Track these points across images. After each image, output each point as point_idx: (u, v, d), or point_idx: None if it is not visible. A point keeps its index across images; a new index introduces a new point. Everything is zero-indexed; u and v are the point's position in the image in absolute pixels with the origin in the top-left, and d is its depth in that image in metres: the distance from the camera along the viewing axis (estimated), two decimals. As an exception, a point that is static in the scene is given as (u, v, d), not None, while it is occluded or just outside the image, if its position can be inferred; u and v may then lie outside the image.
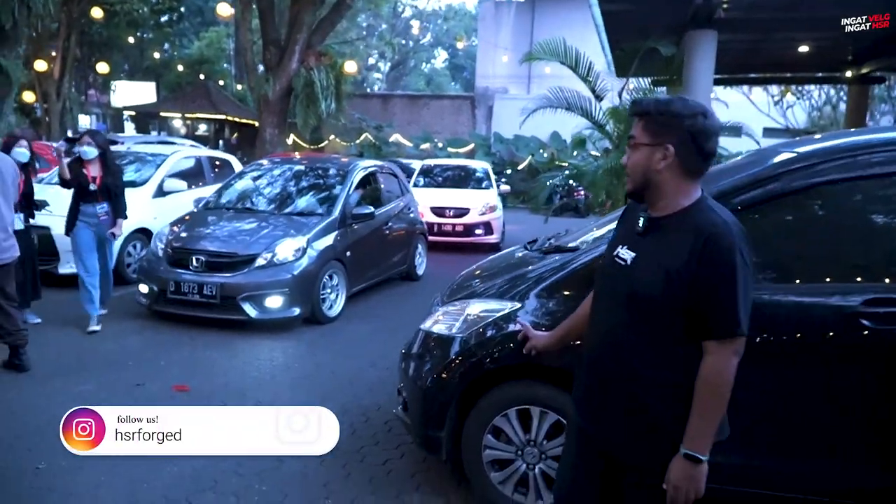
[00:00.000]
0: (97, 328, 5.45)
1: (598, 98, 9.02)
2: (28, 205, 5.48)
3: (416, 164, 13.85)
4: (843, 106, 13.89)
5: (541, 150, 22.12)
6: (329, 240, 6.25)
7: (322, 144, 23.46)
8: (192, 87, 25.42)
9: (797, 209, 2.75)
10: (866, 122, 12.71)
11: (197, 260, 5.75)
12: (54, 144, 8.79)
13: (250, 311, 5.61)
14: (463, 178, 12.24)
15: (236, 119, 23.78)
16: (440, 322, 3.20)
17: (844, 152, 2.71)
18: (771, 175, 2.67)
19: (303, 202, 6.89)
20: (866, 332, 2.46)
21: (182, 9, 27.62)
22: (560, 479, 2.10)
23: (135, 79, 28.88)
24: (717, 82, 12.58)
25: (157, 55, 28.65)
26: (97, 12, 18.00)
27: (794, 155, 2.76)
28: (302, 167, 7.52)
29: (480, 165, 13.00)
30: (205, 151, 10.53)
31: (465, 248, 10.63)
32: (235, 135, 24.89)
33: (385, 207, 7.56)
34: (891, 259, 2.67)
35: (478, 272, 3.65)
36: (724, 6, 7.05)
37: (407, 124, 25.41)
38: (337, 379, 4.68)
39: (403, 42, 38.18)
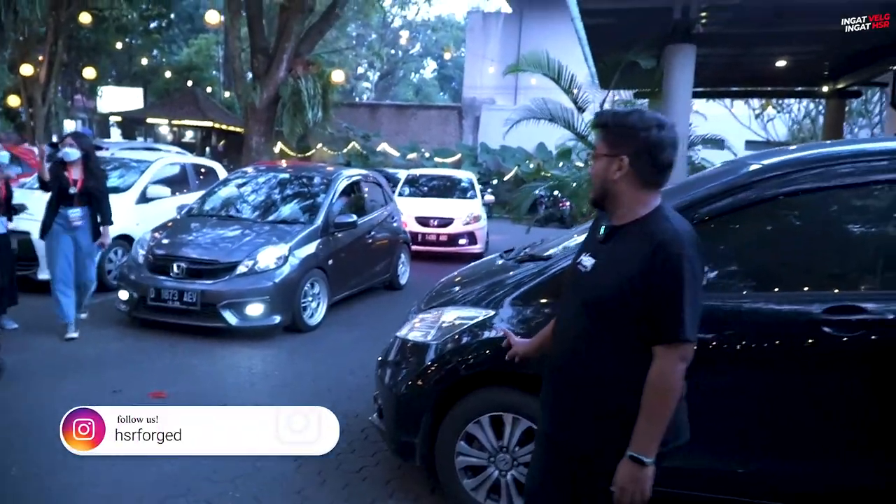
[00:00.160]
0: (75, 335, 5.41)
1: (581, 110, 9.14)
2: (7, 209, 5.45)
3: (403, 174, 13.90)
4: (822, 119, 14.14)
5: (527, 161, 22.26)
6: (311, 248, 6.27)
7: (309, 153, 23.43)
8: (179, 94, 25.35)
9: (765, 219, 2.83)
10: (843, 136, 12.95)
11: (178, 267, 5.75)
12: (36, 149, 8.75)
13: (231, 318, 5.61)
14: (448, 188, 12.30)
15: (224, 126, 23.73)
16: (416, 329, 3.23)
17: (812, 163, 2.78)
18: (741, 185, 2.74)
19: (286, 210, 6.91)
20: (828, 340, 2.52)
21: (172, 15, 27.56)
22: (529, 485, 2.12)
23: (122, 84, 28.71)
24: (698, 95, 12.78)
25: (145, 61, 28.52)
26: (86, 17, 17.90)
27: (760, 166, 2.83)
28: (286, 175, 7.54)
29: (465, 175, 13.08)
30: (190, 158, 10.53)
31: (449, 258, 10.67)
32: (222, 142, 24.83)
33: (368, 216, 7.59)
34: (855, 268, 2.76)
35: (457, 279, 3.69)
36: (703, 21, 7.18)
37: (394, 134, 25.48)
38: (316, 387, 4.69)
39: (392, 52, 38.36)
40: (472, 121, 25.93)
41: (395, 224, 8.37)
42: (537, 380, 2.08)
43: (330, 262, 6.50)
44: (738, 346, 2.62)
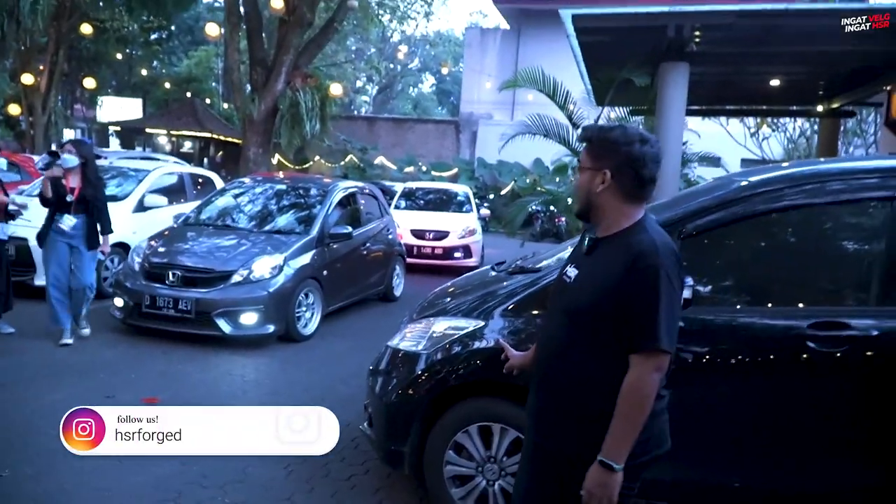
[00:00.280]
0: (69, 341, 5.43)
1: (575, 125, 9.23)
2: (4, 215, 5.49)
3: (399, 187, 13.98)
4: (817, 138, 14.28)
5: (524, 176, 22.38)
6: (306, 258, 6.31)
7: (307, 165, 23.55)
8: (178, 105, 25.47)
9: (755, 234, 2.89)
10: (839, 154, 13.06)
11: (173, 275, 5.78)
12: (36, 157, 8.81)
13: (225, 327, 5.64)
14: (444, 202, 12.36)
15: (222, 137, 23.84)
16: (407, 339, 3.27)
17: (804, 180, 2.82)
18: (733, 199, 2.78)
19: (282, 220, 6.96)
20: (813, 355, 2.57)
21: (172, 27, 27.76)
22: (516, 494, 2.14)
23: (122, 94, 28.85)
24: (692, 113, 12.91)
25: (145, 72, 28.70)
26: (87, 28, 18.08)
27: (752, 182, 2.88)
28: (282, 186, 7.60)
29: (461, 189, 13.16)
30: (187, 168, 10.59)
31: (445, 271, 10.70)
32: (220, 153, 24.92)
33: (364, 228, 7.64)
34: (841, 284, 2.82)
35: (450, 289, 3.73)
36: (696, 40, 7.28)
37: (392, 147, 25.60)
38: (308, 395, 4.71)
39: (391, 66, 38.60)
40: (470, 135, 26.08)
41: (390, 236, 8.42)
42: (525, 390, 2.11)
43: (325, 272, 6.53)
44: (731, 360, 2.65)
